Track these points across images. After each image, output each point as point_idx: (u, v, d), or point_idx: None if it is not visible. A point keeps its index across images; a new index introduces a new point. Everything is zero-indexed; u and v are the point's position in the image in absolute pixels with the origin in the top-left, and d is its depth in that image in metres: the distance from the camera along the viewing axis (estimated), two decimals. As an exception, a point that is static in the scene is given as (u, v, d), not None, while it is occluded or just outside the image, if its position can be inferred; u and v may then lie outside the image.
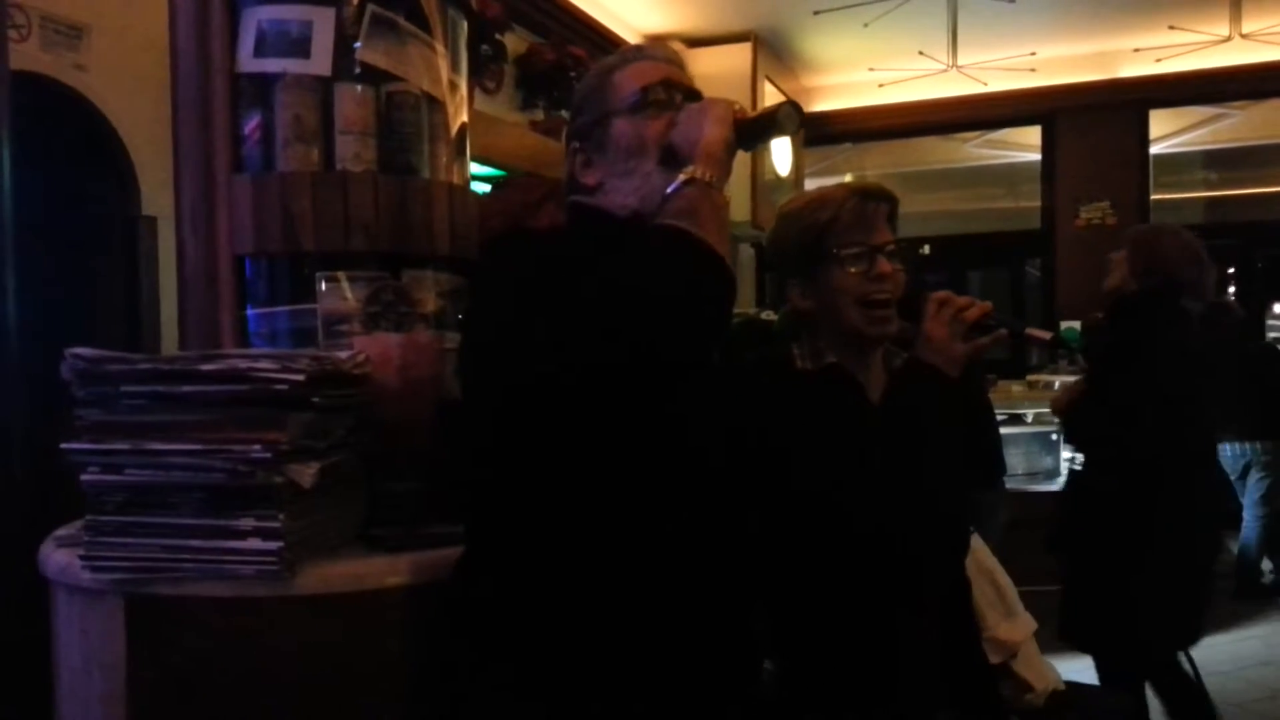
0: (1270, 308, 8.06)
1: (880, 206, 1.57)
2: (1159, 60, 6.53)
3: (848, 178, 8.72)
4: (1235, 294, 7.79)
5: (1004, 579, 2.19)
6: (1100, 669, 2.73)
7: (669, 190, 1.23)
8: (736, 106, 1.29)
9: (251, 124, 1.65)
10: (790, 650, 1.57)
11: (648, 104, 1.35)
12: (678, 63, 1.43)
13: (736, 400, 1.44)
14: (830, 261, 1.55)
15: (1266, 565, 5.45)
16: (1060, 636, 2.73)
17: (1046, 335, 1.56)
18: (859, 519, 1.47)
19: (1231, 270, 8.51)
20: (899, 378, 1.57)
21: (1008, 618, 2.12)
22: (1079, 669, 3.53)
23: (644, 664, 1.22)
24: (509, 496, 1.26)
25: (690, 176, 1.22)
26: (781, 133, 1.30)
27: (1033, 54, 6.62)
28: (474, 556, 1.32)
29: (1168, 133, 7.59)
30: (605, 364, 1.12)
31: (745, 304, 6.62)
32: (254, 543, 1.33)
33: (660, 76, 1.38)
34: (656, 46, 1.46)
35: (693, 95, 1.39)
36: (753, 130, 1.29)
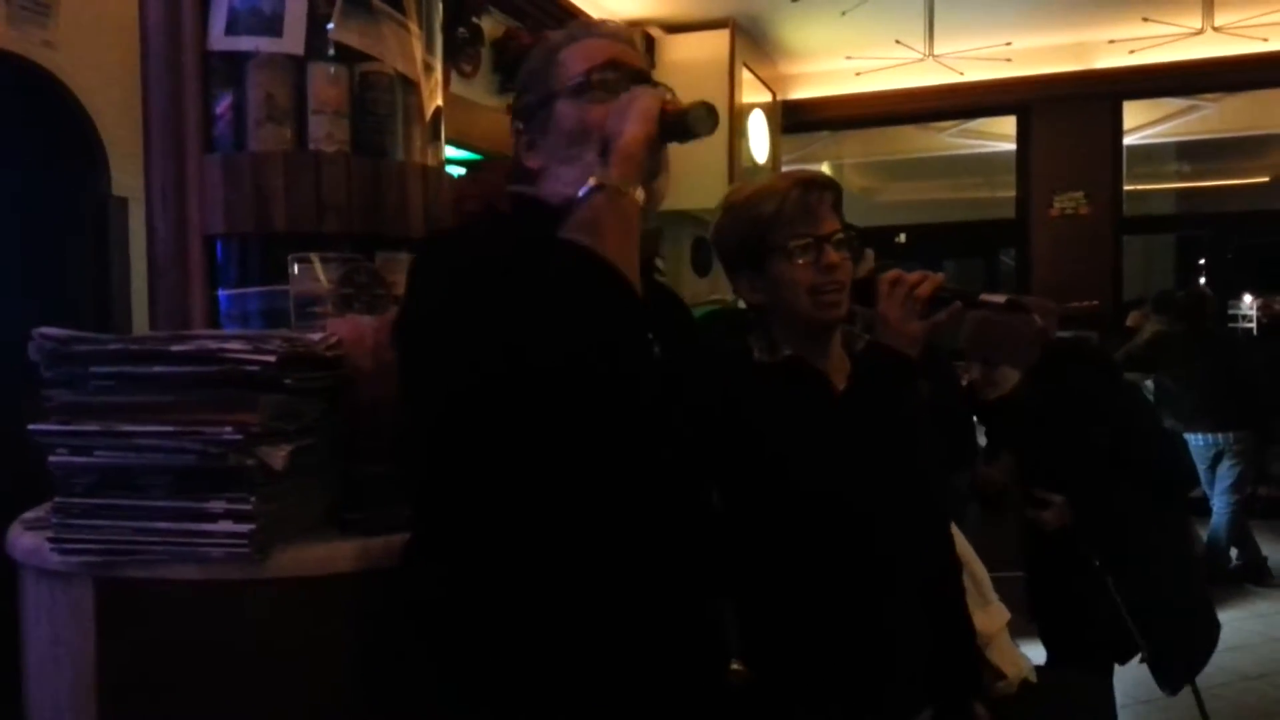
0: (1240, 298, 8.15)
1: (824, 195, 1.55)
2: (1133, 52, 6.58)
3: (824, 166, 8.75)
4: (1206, 284, 7.89)
5: (978, 568, 2.20)
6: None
7: (579, 196, 1.18)
8: (667, 97, 1.25)
9: (223, 103, 1.63)
10: (767, 650, 1.55)
11: (592, 86, 1.29)
12: (627, 40, 1.37)
13: (694, 388, 1.39)
14: (778, 254, 1.53)
15: (1234, 552, 5.53)
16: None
17: (1001, 299, 1.55)
18: (828, 507, 1.47)
19: (1202, 261, 8.63)
20: (861, 364, 1.56)
21: (982, 607, 2.14)
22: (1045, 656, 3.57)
23: (595, 657, 1.20)
24: (454, 488, 1.22)
25: (599, 182, 1.17)
26: (695, 135, 1.25)
27: (1008, 44, 6.64)
28: (422, 545, 1.29)
29: (1141, 124, 7.65)
30: (517, 376, 1.09)
31: (725, 290, 6.62)
32: (225, 525, 1.32)
33: (607, 57, 1.31)
34: (605, 24, 1.40)
35: (641, 77, 1.33)
36: (671, 129, 1.24)
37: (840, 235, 1.54)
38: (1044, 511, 2.73)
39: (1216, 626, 2.91)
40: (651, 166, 1.23)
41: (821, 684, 1.51)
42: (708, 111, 1.24)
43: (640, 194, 1.20)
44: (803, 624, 1.52)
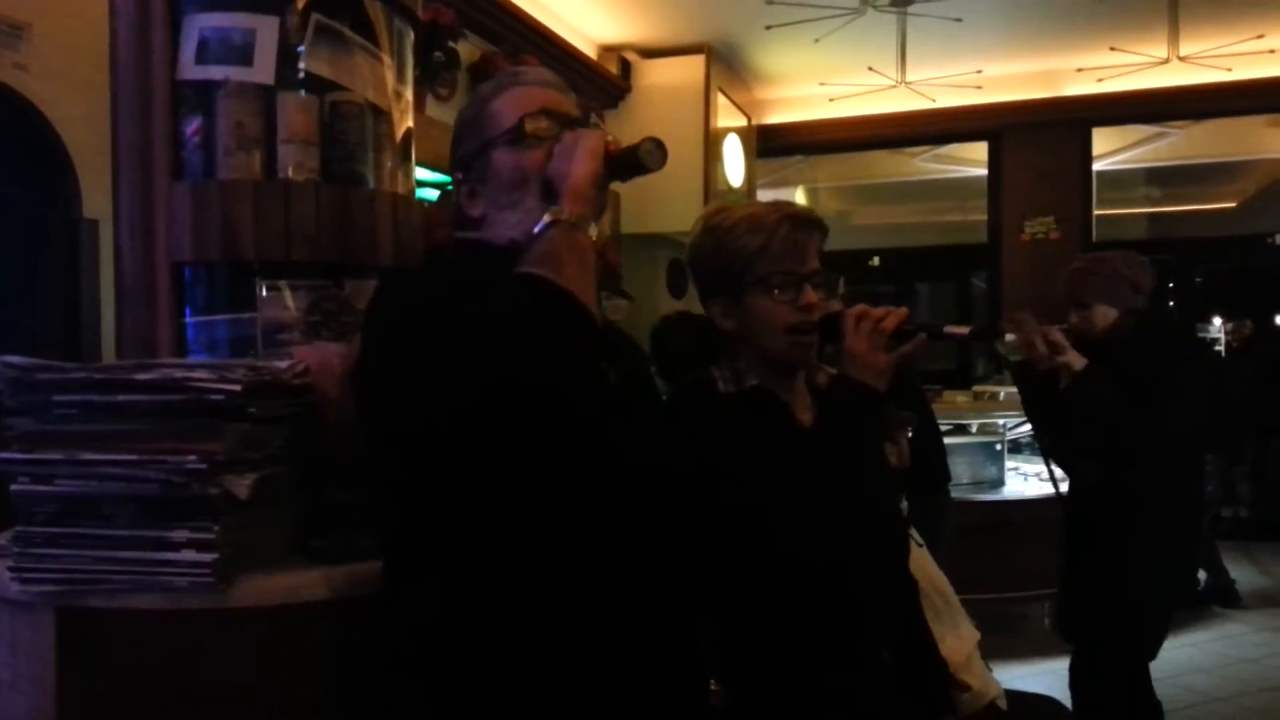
0: (1210, 321, 8.27)
1: (813, 235, 1.55)
2: (1100, 80, 6.70)
3: (799, 190, 8.82)
4: (1174, 308, 8.00)
5: (947, 589, 2.22)
6: (1093, 667, 2.81)
7: (535, 232, 1.22)
8: (609, 138, 1.28)
9: (192, 130, 1.64)
10: (740, 668, 1.56)
11: (526, 134, 1.33)
12: (557, 88, 1.40)
13: (656, 414, 1.42)
14: (758, 288, 1.54)
15: (1201, 574, 5.58)
16: (1061, 634, 2.91)
17: (964, 330, 1.57)
18: (798, 540, 1.47)
19: (1171, 285, 8.75)
20: (829, 398, 1.56)
21: (953, 630, 2.15)
22: (1020, 676, 3.60)
23: (582, 677, 1.21)
24: (427, 521, 1.23)
25: (554, 218, 1.21)
26: (645, 170, 1.28)
27: (979, 72, 6.75)
28: (394, 577, 1.29)
29: (1110, 150, 7.78)
30: (476, 410, 1.11)
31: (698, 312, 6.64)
32: (188, 554, 1.32)
33: (539, 105, 1.35)
34: (534, 72, 1.43)
35: (574, 122, 1.36)
36: (620, 165, 1.27)
37: (820, 276, 1.55)
38: (1062, 357, 2.72)
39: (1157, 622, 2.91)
40: (599, 203, 1.26)
41: (794, 708, 1.52)
42: (655, 145, 1.27)
43: (594, 230, 1.23)
44: (774, 651, 1.53)
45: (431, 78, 4.66)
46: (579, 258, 1.19)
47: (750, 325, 1.56)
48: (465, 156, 1.38)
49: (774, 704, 1.52)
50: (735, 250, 1.54)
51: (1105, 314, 2.82)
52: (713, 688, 1.50)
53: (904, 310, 1.52)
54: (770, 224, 1.53)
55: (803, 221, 1.55)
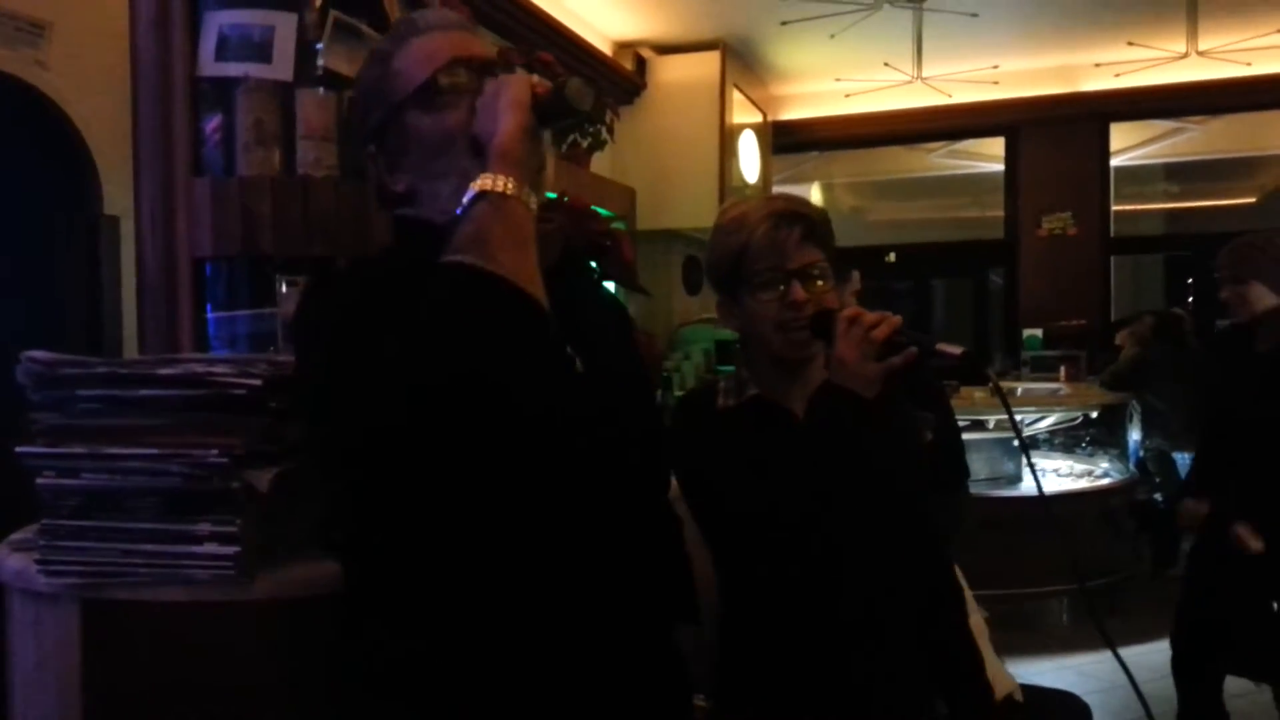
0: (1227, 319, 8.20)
1: (794, 229, 1.51)
2: (1118, 75, 6.66)
3: (815, 186, 8.80)
4: (1192, 304, 7.95)
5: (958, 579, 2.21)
6: None
7: (459, 210, 1.07)
8: (535, 81, 1.13)
9: (212, 127, 1.65)
10: (726, 679, 1.57)
11: (441, 91, 1.17)
12: (464, 27, 1.24)
13: (632, 395, 1.30)
14: (746, 287, 1.53)
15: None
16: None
17: (957, 351, 1.45)
18: (797, 546, 1.47)
19: (1190, 281, 8.70)
20: (815, 404, 1.52)
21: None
22: (1039, 672, 3.58)
23: (557, 689, 1.14)
24: (389, 537, 1.16)
25: (480, 189, 1.06)
26: (575, 113, 1.13)
27: (995, 67, 6.72)
28: (357, 596, 1.23)
29: (1128, 145, 7.73)
30: (411, 422, 1.03)
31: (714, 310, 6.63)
32: (211, 547, 1.33)
33: (448, 55, 1.18)
34: (433, 14, 1.27)
35: (490, 67, 1.20)
36: (548, 111, 1.12)
37: (814, 269, 1.52)
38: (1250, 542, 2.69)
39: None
40: (535, 160, 1.12)
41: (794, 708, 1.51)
42: (584, 82, 1.13)
43: (530, 195, 1.09)
44: (753, 661, 1.54)
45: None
46: (513, 234, 1.05)
47: (747, 323, 1.57)
48: (376, 126, 1.22)
49: (757, 714, 1.53)
50: (724, 251, 1.55)
51: (1260, 295, 2.73)
52: (698, 703, 1.48)
53: (897, 319, 1.45)
54: (751, 222, 1.52)
55: (784, 216, 1.52)
